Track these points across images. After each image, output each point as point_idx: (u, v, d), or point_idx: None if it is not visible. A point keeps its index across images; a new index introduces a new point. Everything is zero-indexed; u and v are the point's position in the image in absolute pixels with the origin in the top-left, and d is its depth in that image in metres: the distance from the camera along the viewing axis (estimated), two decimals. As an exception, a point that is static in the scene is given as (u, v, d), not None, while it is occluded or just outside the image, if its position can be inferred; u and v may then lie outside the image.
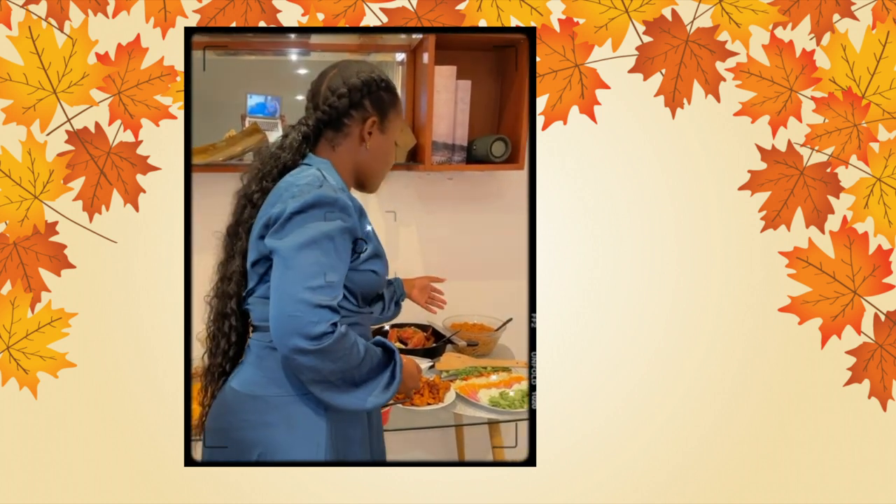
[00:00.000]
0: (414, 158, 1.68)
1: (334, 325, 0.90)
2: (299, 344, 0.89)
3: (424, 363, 1.56)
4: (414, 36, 1.61)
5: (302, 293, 0.89)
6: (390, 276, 1.28)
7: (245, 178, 1.06)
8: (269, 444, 0.98)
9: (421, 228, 1.81)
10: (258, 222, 0.99)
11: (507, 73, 1.70)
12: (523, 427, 1.31)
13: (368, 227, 1.03)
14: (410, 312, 1.80)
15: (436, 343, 1.68)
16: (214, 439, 1.02)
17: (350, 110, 1.03)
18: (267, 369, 1.00)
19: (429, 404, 1.39)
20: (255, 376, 1.01)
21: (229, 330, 1.05)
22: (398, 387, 1.02)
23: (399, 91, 1.68)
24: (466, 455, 1.83)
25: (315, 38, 1.63)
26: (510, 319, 1.72)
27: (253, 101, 1.65)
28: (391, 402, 1.38)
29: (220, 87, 1.62)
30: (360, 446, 1.08)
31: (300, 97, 1.68)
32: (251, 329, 1.06)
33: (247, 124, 1.63)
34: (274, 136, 1.61)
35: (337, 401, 0.96)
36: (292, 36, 1.61)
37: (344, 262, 0.96)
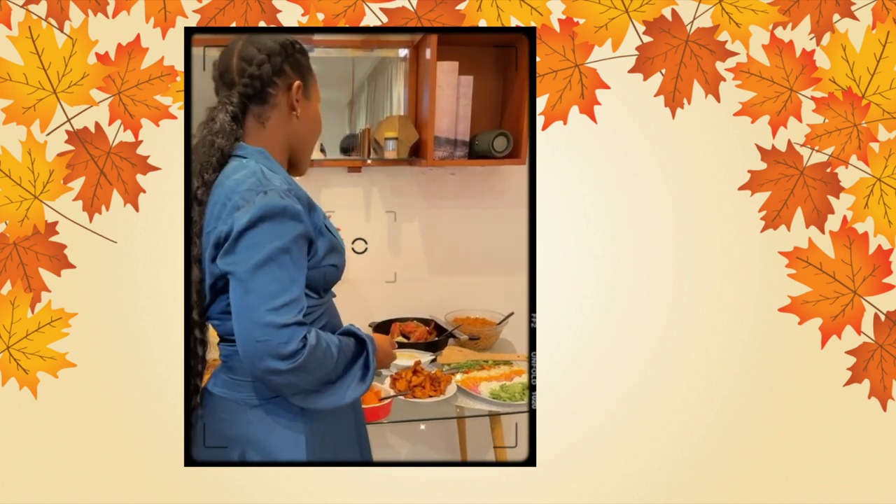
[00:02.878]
0: (416, 154, 1.68)
1: (304, 338, 0.87)
2: (273, 366, 0.85)
3: (426, 356, 1.57)
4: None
5: (266, 316, 0.85)
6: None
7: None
8: (250, 441, 0.97)
9: (423, 224, 1.81)
10: (207, 240, 0.93)
11: (509, 69, 1.70)
12: (523, 427, 1.31)
13: (320, 221, 0.97)
14: (413, 307, 1.82)
15: (438, 337, 1.68)
16: (210, 438, 1.01)
17: (273, 77, 0.97)
18: (237, 374, 0.99)
19: (430, 397, 1.40)
20: (227, 381, 1.00)
21: (194, 344, 0.98)
22: (374, 374, 0.99)
23: (402, 87, 1.68)
24: (468, 448, 1.83)
25: (318, 35, 1.63)
26: (512, 314, 1.72)
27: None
28: (393, 394, 1.39)
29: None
30: (347, 443, 1.06)
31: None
32: (219, 338, 1.03)
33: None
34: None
35: (318, 404, 0.95)
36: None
37: (302, 270, 0.91)
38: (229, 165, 0.95)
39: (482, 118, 1.71)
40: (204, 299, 0.96)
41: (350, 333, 1.00)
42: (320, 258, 0.96)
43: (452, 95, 1.62)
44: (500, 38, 1.65)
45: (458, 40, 1.60)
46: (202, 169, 0.95)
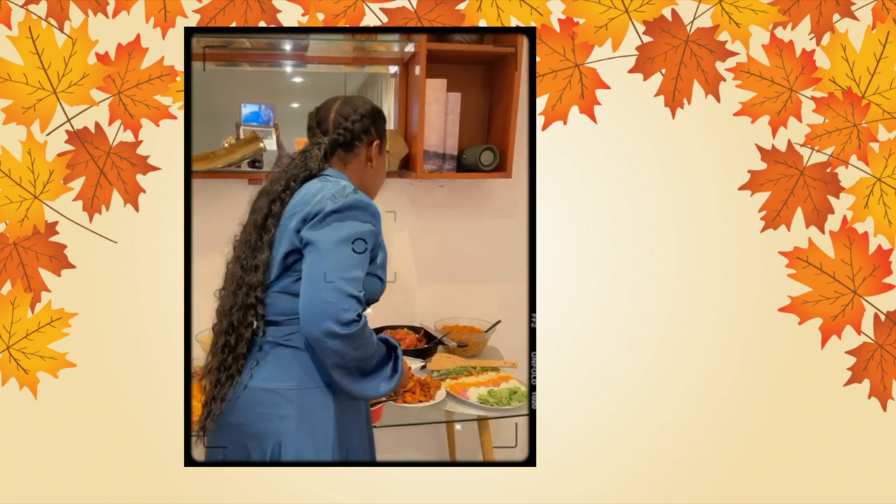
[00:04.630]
0: (406, 167, 1.73)
1: (360, 315, 0.98)
2: (331, 327, 0.96)
3: (416, 363, 1.60)
4: (406, 49, 1.66)
5: (338, 282, 0.97)
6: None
7: (271, 178, 1.14)
8: (283, 434, 1.03)
9: (413, 233, 1.85)
10: (293, 217, 1.06)
11: (496, 86, 1.74)
12: (523, 427, 1.31)
13: (382, 237, 1.12)
14: (403, 315, 1.84)
15: (427, 344, 1.72)
16: (225, 434, 1.05)
17: (361, 134, 1.16)
18: (279, 364, 1.06)
19: (420, 402, 1.43)
20: (268, 372, 1.06)
21: (254, 318, 1.09)
22: (400, 379, 1.10)
23: (392, 102, 1.75)
24: (457, 452, 1.85)
25: (311, 51, 1.67)
26: (499, 322, 1.75)
27: (247, 109, 1.67)
28: (384, 399, 1.40)
29: (216, 97, 1.64)
30: (360, 436, 1.15)
31: (295, 105, 1.71)
32: (263, 325, 1.10)
33: (241, 132, 1.65)
34: (269, 144, 1.65)
35: (352, 387, 1.04)
36: (288, 48, 1.65)
37: (367, 260, 1.04)
38: (318, 178, 1.12)
39: (469, 133, 1.77)
40: (268, 277, 1.08)
41: (382, 340, 1.10)
42: (377, 265, 1.10)
43: (441, 111, 1.67)
44: (490, 54, 1.67)
45: (446, 57, 1.66)
46: (291, 178, 1.11)
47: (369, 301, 1.12)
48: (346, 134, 1.15)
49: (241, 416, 1.05)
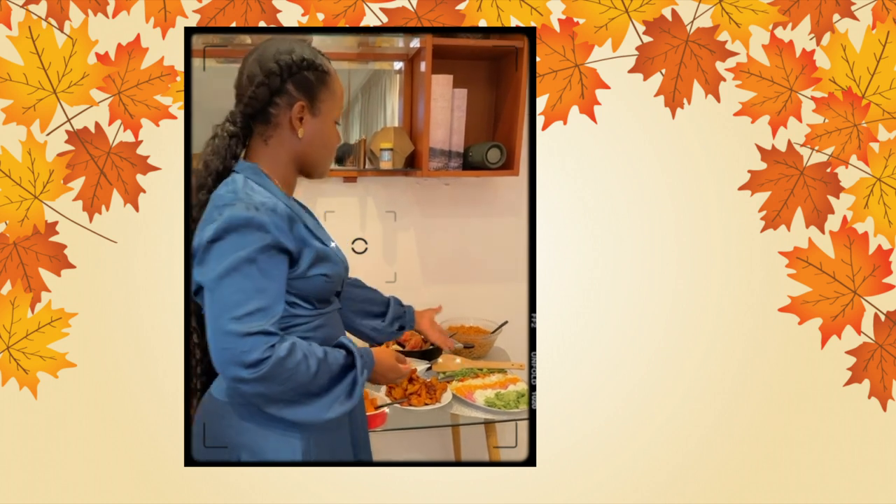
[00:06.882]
0: (412, 164, 1.71)
1: (272, 347, 0.86)
2: (237, 374, 0.86)
3: (422, 365, 1.58)
4: (412, 45, 1.65)
5: (228, 325, 0.85)
6: (398, 290, 1.24)
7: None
8: (251, 446, 0.97)
9: (418, 232, 1.84)
10: (194, 255, 0.93)
11: (502, 82, 1.73)
12: (523, 427, 1.31)
13: (302, 232, 0.95)
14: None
15: (433, 345, 1.69)
16: (212, 440, 1.02)
17: (273, 98, 0.94)
18: None
19: (426, 405, 1.41)
20: (227, 387, 1.00)
21: (193, 348, 1.02)
22: (361, 392, 0.97)
23: (396, 98, 1.69)
24: (463, 455, 1.84)
25: (315, 46, 1.65)
26: (506, 322, 1.74)
27: (249, 106, 1.66)
28: (389, 402, 1.39)
29: (217, 94, 1.63)
30: (342, 452, 1.06)
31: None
32: None
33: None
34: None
35: (298, 416, 0.93)
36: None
37: (274, 279, 0.90)
38: (225, 179, 0.95)
39: (476, 130, 1.75)
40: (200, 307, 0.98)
41: (341, 346, 0.99)
42: (305, 269, 0.94)
43: (447, 108, 1.65)
44: (497, 50, 1.66)
45: (452, 53, 1.63)
46: (198, 188, 0.96)
47: (322, 299, 1.00)
48: (254, 102, 0.94)
49: (214, 425, 1.00)
